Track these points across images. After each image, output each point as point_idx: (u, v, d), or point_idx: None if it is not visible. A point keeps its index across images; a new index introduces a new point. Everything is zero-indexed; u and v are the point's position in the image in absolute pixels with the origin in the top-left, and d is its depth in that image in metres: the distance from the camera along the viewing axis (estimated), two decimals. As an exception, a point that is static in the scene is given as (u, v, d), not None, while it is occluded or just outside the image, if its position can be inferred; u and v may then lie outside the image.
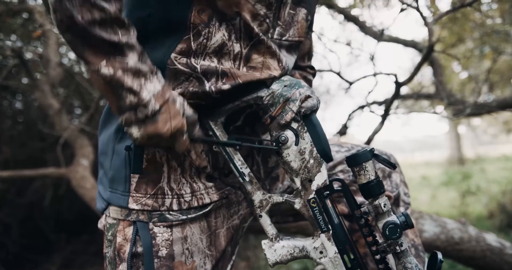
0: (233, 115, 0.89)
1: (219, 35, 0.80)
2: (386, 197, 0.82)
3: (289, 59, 0.95)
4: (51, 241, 3.78)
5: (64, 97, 3.75)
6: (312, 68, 1.17)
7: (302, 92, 0.83)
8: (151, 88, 0.72)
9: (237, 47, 0.82)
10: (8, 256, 3.51)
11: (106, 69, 0.69)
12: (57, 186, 3.55)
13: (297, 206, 0.85)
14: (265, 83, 0.84)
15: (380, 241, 0.83)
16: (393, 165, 0.84)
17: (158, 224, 0.82)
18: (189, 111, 0.77)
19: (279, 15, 0.87)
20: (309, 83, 1.15)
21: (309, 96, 0.84)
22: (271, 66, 0.86)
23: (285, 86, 0.84)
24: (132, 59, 0.71)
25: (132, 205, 0.81)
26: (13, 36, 3.40)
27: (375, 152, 0.84)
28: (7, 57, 3.42)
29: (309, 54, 1.14)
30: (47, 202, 3.48)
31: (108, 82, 0.69)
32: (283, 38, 0.91)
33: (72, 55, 3.87)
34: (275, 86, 0.84)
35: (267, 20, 0.85)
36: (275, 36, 0.89)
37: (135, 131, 0.72)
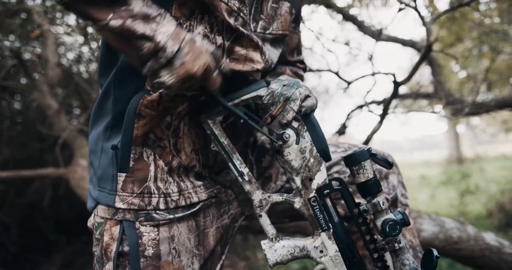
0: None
1: (200, 28, 0.81)
2: (384, 195, 0.83)
3: (273, 53, 0.96)
4: (50, 241, 3.78)
5: (63, 98, 3.75)
6: (302, 62, 1.18)
7: (301, 92, 0.84)
8: (165, 30, 0.70)
9: (219, 40, 0.83)
10: (8, 257, 3.51)
11: (114, 22, 0.68)
12: (56, 186, 3.55)
13: (297, 205, 0.85)
14: (252, 78, 0.85)
15: (378, 239, 0.84)
16: (389, 164, 0.84)
17: (145, 223, 0.81)
18: (211, 46, 0.76)
19: (262, 9, 0.88)
20: (301, 78, 1.16)
21: (308, 96, 0.84)
22: (254, 58, 0.87)
23: (284, 85, 0.85)
24: (137, 6, 0.70)
25: (119, 204, 0.81)
26: (12, 36, 3.40)
27: (373, 151, 0.85)
28: (6, 57, 3.42)
29: (298, 48, 1.15)
30: (46, 202, 3.47)
31: (120, 34, 0.69)
32: (267, 32, 0.92)
33: (70, 55, 3.87)
34: (274, 86, 0.84)
35: (241, 14, 0.85)
36: (258, 30, 0.90)
37: (166, 78, 0.71)
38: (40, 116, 3.77)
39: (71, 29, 3.38)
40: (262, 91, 0.84)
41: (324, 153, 0.84)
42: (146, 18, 0.70)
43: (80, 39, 3.44)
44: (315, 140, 0.83)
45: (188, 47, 0.71)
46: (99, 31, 0.70)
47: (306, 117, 0.84)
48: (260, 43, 0.88)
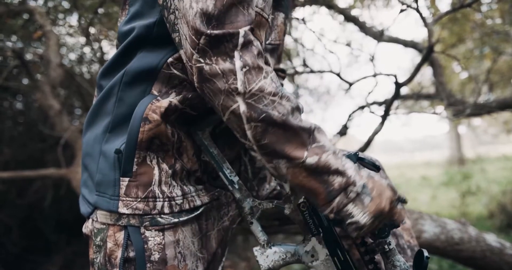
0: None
1: None
2: None
3: (272, 63, 0.97)
4: (51, 242, 3.78)
5: (64, 98, 3.75)
6: (283, 71, 1.19)
7: None
8: (350, 165, 0.72)
9: None
10: (8, 257, 3.51)
11: (311, 159, 0.69)
12: (57, 187, 3.55)
13: (287, 211, 0.86)
14: None
15: (368, 242, 0.84)
16: (377, 168, 0.84)
17: (150, 228, 0.80)
18: (386, 180, 0.77)
19: None
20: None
21: None
22: None
23: None
24: (325, 141, 0.71)
25: (123, 210, 0.79)
26: (14, 37, 3.41)
27: (360, 155, 0.85)
28: (8, 58, 3.43)
29: (279, 57, 1.16)
30: (47, 202, 3.48)
31: (313, 171, 0.69)
32: (267, 42, 0.93)
33: (72, 56, 3.88)
34: None
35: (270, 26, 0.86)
36: None
37: (360, 216, 0.71)
38: (41, 117, 3.77)
39: (73, 30, 3.39)
40: None
41: None
42: (335, 153, 0.71)
43: (82, 40, 3.45)
44: None
45: (371, 183, 0.73)
46: (291, 168, 0.70)
47: None
48: (269, 60, 0.89)
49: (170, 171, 0.82)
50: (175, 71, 0.80)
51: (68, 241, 3.88)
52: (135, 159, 0.79)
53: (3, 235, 3.53)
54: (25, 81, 3.76)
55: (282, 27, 0.97)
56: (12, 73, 3.46)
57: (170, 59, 0.80)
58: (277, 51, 1.00)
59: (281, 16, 0.96)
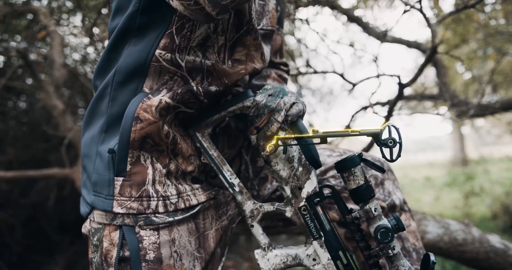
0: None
1: (203, 28, 0.80)
2: (377, 201, 0.82)
3: (266, 49, 0.97)
4: (54, 242, 3.79)
5: (68, 98, 3.76)
6: (286, 65, 1.19)
7: (286, 101, 0.83)
8: None
9: (221, 40, 0.83)
10: (12, 257, 3.53)
11: None
12: (61, 186, 3.56)
13: (288, 214, 0.85)
14: (249, 87, 0.85)
15: (373, 245, 0.83)
16: (381, 169, 0.83)
17: (145, 227, 0.80)
18: None
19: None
20: (285, 81, 1.17)
21: (294, 103, 0.83)
22: (255, 59, 0.87)
23: (269, 95, 0.84)
24: None
25: (117, 209, 0.79)
26: (18, 37, 3.42)
27: (364, 157, 0.83)
28: (12, 58, 3.44)
29: (281, 50, 1.15)
30: (51, 202, 3.49)
31: None
32: (258, 27, 0.92)
33: (76, 56, 3.89)
34: (259, 97, 0.84)
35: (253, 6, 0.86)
36: None
37: None
38: (45, 117, 3.78)
39: (77, 30, 3.40)
40: (248, 102, 0.84)
41: (313, 161, 0.82)
42: None
43: (86, 40, 3.46)
44: (303, 148, 0.82)
45: None
46: None
47: (293, 124, 0.83)
48: (262, 42, 0.88)
49: (164, 171, 0.82)
50: (164, 63, 0.80)
51: (72, 241, 3.88)
52: (129, 159, 0.80)
53: (7, 234, 3.54)
54: (29, 81, 3.77)
55: (274, 13, 0.97)
56: (16, 73, 3.47)
57: (157, 51, 0.80)
58: (270, 38, 1.00)
59: (272, 2, 0.96)
